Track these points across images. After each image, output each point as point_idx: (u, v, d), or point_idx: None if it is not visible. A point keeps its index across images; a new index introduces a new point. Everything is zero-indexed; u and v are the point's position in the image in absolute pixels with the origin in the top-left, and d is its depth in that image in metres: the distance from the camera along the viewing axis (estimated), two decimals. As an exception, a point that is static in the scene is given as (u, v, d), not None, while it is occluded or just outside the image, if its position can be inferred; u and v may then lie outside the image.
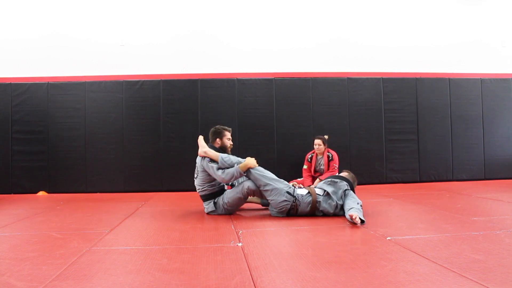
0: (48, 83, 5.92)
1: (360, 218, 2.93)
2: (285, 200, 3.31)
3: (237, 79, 6.08)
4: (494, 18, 6.74)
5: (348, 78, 6.24)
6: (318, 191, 3.42)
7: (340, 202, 3.31)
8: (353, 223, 2.93)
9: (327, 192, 3.34)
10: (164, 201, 4.75)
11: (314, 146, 5.41)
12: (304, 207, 3.32)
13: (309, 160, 5.51)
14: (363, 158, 6.15)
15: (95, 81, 5.94)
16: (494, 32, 6.74)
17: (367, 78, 6.28)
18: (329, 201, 3.31)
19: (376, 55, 6.44)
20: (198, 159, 3.65)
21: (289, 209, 3.34)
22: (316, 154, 5.46)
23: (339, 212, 3.30)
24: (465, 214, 3.35)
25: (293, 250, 2.32)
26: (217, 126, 3.87)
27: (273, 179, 3.43)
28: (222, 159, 3.49)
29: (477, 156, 6.42)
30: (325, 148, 5.43)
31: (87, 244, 2.50)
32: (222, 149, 3.75)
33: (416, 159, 6.29)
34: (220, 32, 6.28)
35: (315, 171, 5.48)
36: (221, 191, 3.70)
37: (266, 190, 3.40)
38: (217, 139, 3.80)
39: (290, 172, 5.73)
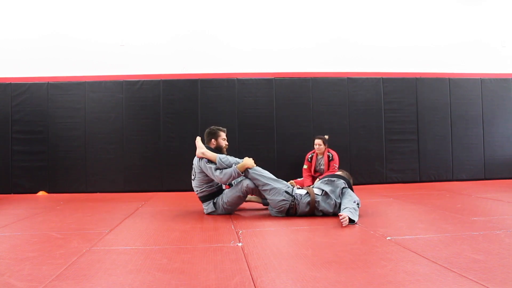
0: (48, 83, 5.92)
1: (349, 218, 2.93)
2: (284, 200, 3.31)
3: (237, 79, 6.08)
4: (494, 18, 6.75)
5: (348, 78, 6.24)
6: (316, 191, 3.41)
7: (338, 201, 3.31)
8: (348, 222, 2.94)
9: (325, 192, 3.34)
10: (164, 201, 4.75)
11: (314, 146, 5.41)
12: (303, 207, 3.32)
13: (309, 160, 5.51)
14: (363, 158, 6.15)
15: (95, 81, 5.94)
16: (494, 32, 6.74)
17: (367, 78, 6.28)
18: (328, 200, 3.32)
19: (376, 55, 6.44)
20: (195, 160, 3.64)
21: (288, 209, 3.34)
22: (316, 154, 5.46)
23: (338, 211, 3.30)
24: (465, 214, 3.35)
25: (293, 250, 2.32)
26: (212, 127, 3.87)
27: (271, 178, 3.43)
28: (220, 159, 3.48)
29: (477, 156, 6.42)
30: (325, 148, 5.43)
31: (87, 244, 2.50)
32: (217, 150, 3.74)
33: (416, 159, 6.29)
34: (220, 32, 6.28)
35: (315, 171, 5.48)
36: (220, 191, 3.69)
37: (265, 190, 3.40)
38: (212, 140, 3.79)
39: (290, 172, 5.73)
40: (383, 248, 2.28)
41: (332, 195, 3.31)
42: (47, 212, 3.97)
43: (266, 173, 3.48)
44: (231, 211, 3.66)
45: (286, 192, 3.33)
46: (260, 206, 3.94)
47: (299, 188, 3.53)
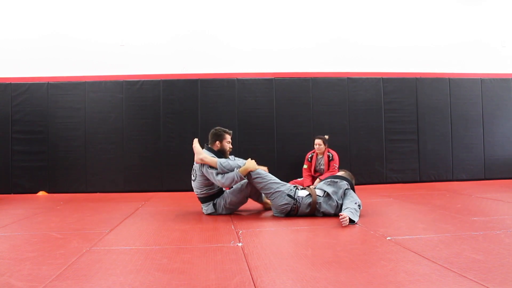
0: (48, 83, 5.92)
1: (350, 219, 2.94)
2: (286, 203, 3.31)
3: (237, 79, 6.08)
4: (494, 18, 6.75)
5: (348, 78, 6.24)
6: (318, 192, 3.40)
7: (340, 202, 3.31)
8: (348, 222, 2.94)
9: (327, 193, 3.34)
10: (164, 201, 4.74)
11: (315, 146, 5.41)
12: (304, 208, 3.31)
13: (309, 159, 5.51)
14: (363, 158, 6.15)
15: (95, 81, 5.94)
16: (494, 32, 6.74)
17: (367, 78, 6.28)
18: (330, 201, 3.31)
19: (376, 55, 6.44)
20: (197, 164, 3.57)
21: (290, 210, 3.34)
22: (316, 154, 5.46)
23: (340, 212, 3.30)
24: (465, 214, 3.35)
25: (293, 250, 2.32)
26: (218, 128, 3.75)
27: (274, 182, 3.39)
28: (221, 164, 3.39)
29: (477, 156, 6.42)
30: (325, 148, 5.43)
31: (87, 244, 2.50)
32: (220, 152, 3.65)
33: (416, 159, 6.29)
34: (220, 32, 6.28)
35: (315, 171, 5.48)
36: (220, 192, 3.67)
37: (268, 193, 3.39)
38: (217, 142, 3.68)
39: (290, 172, 5.74)
40: (383, 248, 2.28)
41: (334, 196, 3.31)
42: (47, 212, 3.97)
43: (269, 176, 3.42)
44: (232, 211, 3.65)
45: (289, 195, 3.31)
46: (261, 206, 3.94)
47: (302, 189, 3.49)
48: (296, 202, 3.30)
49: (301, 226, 2.99)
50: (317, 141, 5.40)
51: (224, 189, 3.73)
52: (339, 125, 6.16)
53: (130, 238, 2.74)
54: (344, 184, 3.41)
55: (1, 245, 2.56)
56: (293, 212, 3.34)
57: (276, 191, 3.32)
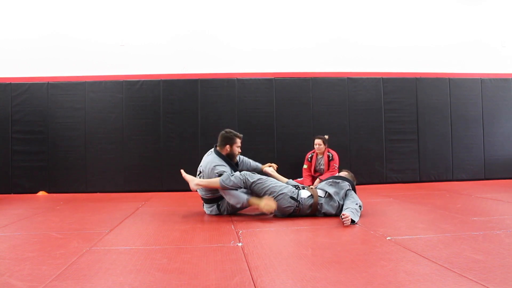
0: (48, 83, 5.92)
1: (351, 219, 2.94)
2: (289, 206, 3.30)
3: (237, 79, 6.08)
4: (494, 18, 6.74)
5: (348, 78, 6.24)
6: (319, 192, 3.39)
7: (341, 202, 3.31)
8: (350, 222, 2.94)
9: (329, 194, 3.33)
10: (164, 201, 4.74)
11: (315, 146, 5.42)
12: (305, 209, 3.31)
13: (309, 159, 5.51)
14: (363, 158, 6.15)
15: (95, 81, 5.94)
16: (494, 32, 6.74)
17: (367, 78, 6.27)
18: (331, 202, 3.31)
19: (376, 55, 6.44)
20: (206, 172, 3.48)
21: (292, 212, 3.34)
22: (316, 154, 5.47)
23: (341, 212, 3.29)
24: (465, 214, 3.35)
25: (293, 250, 2.32)
26: (229, 131, 3.65)
27: (275, 185, 3.34)
28: (223, 182, 3.30)
29: (477, 156, 6.42)
30: (325, 148, 5.43)
31: (87, 244, 2.50)
32: (229, 156, 3.61)
33: (416, 159, 6.29)
34: (220, 32, 6.28)
35: (315, 171, 5.49)
36: None
37: (271, 196, 3.38)
38: (227, 146, 3.60)
39: (290, 172, 5.70)
40: (383, 248, 2.28)
41: (336, 197, 3.31)
42: (47, 212, 3.97)
43: (269, 181, 3.38)
44: (236, 211, 3.63)
45: (291, 198, 3.30)
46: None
47: (303, 188, 3.46)
48: (298, 204, 3.30)
49: (301, 226, 2.99)
50: (317, 141, 5.40)
51: None
52: (339, 125, 6.15)
53: (130, 238, 2.74)
54: (346, 185, 3.41)
55: (1, 245, 2.56)
56: (294, 212, 3.34)
57: (280, 193, 3.30)
